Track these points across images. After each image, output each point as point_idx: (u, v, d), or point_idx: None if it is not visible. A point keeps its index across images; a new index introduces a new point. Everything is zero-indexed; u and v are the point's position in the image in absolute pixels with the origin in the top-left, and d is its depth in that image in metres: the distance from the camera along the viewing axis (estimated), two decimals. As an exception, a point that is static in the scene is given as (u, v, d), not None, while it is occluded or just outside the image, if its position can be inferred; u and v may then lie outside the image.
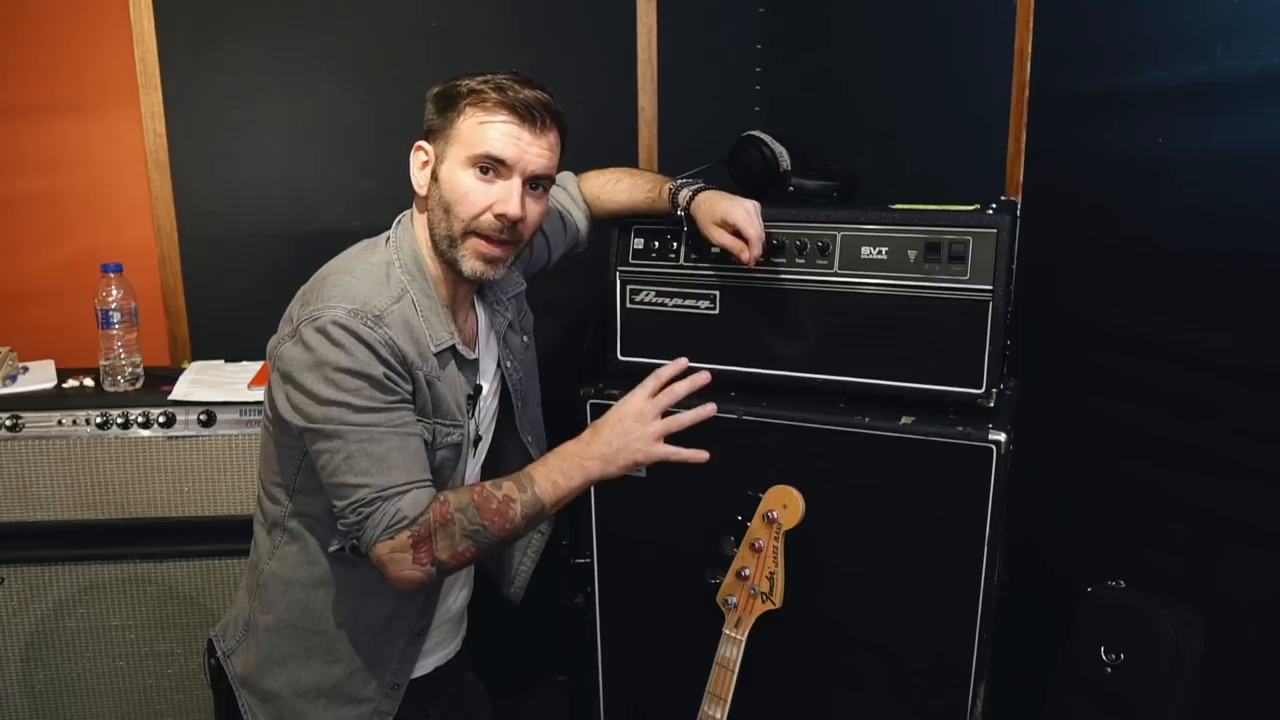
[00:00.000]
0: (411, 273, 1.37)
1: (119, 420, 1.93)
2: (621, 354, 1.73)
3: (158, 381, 2.03)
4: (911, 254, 1.52)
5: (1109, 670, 1.51)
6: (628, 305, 1.72)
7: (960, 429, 1.49)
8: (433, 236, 1.38)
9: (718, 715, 1.51)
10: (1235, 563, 1.54)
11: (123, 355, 2.02)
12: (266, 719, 1.44)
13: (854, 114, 2.18)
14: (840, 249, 1.57)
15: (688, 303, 1.68)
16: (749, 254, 1.52)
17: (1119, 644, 1.51)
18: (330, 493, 1.28)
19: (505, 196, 1.33)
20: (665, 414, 1.34)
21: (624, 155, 2.35)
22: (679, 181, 1.62)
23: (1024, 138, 1.84)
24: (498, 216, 1.34)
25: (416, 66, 2.15)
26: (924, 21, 2.03)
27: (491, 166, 1.33)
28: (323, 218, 2.24)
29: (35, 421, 1.92)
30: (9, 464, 1.92)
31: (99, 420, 1.93)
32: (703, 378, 1.36)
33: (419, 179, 1.39)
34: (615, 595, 1.79)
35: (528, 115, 1.33)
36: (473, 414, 1.44)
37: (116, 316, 2.00)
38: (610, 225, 1.74)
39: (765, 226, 1.55)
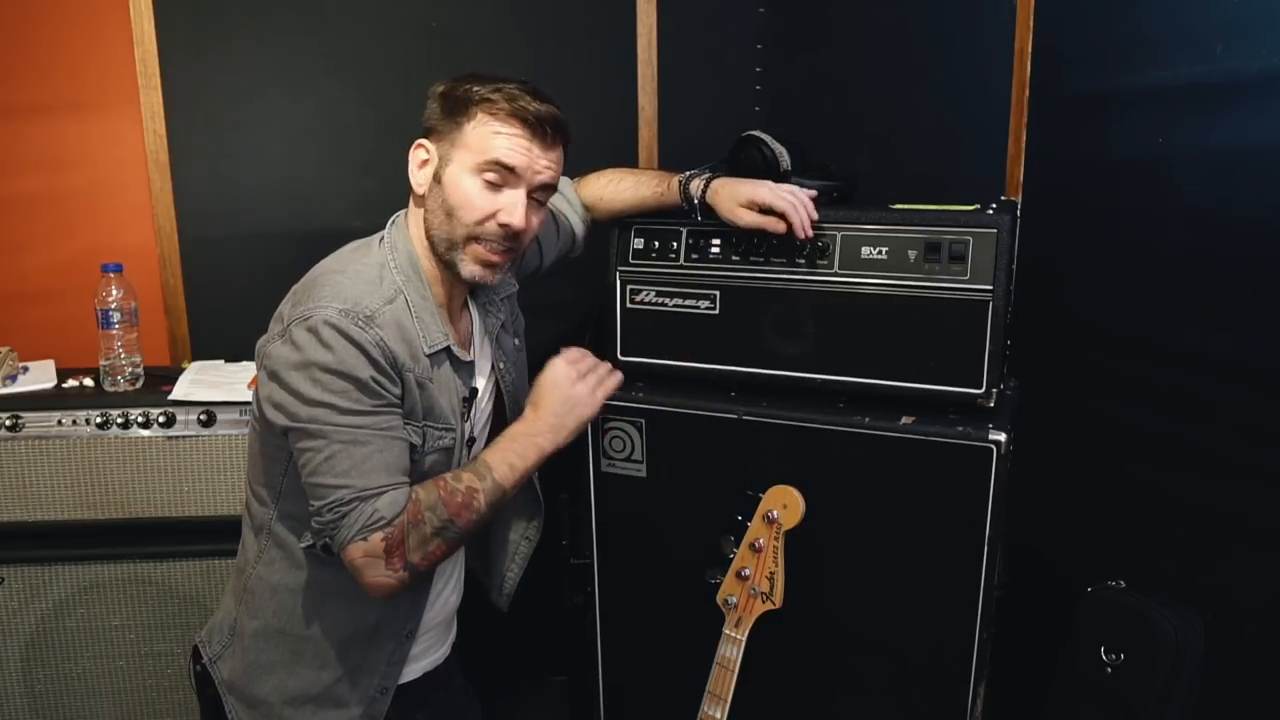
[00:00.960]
0: (406, 274, 1.37)
1: (119, 420, 1.93)
2: (621, 354, 1.73)
3: (158, 381, 2.03)
4: (911, 254, 1.52)
5: (1109, 670, 1.51)
6: (628, 305, 1.72)
7: (960, 429, 1.49)
8: (431, 236, 1.37)
9: (718, 715, 1.51)
10: (1235, 563, 1.54)
11: (123, 355, 2.02)
12: None
13: (854, 114, 2.18)
14: (840, 249, 1.56)
15: (688, 303, 1.68)
16: (797, 222, 1.51)
17: (1119, 644, 1.50)
18: (308, 492, 1.28)
19: (511, 206, 1.33)
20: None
21: (624, 155, 2.35)
22: (688, 174, 1.62)
23: (1024, 138, 1.84)
24: (501, 225, 1.34)
25: (417, 66, 2.15)
26: (924, 22, 2.03)
27: (499, 175, 1.33)
28: (323, 218, 2.24)
29: (35, 421, 1.92)
30: (9, 464, 1.92)
31: (99, 420, 1.93)
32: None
33: (418, 177, 1.38)
34: (615, 595, 1.79)
35: (539, 128, 1.33)
36: (468, 416, 1.44)
37: (116, 316, 2.00)
38: (610, 225, 1.74)
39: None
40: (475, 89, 1.34)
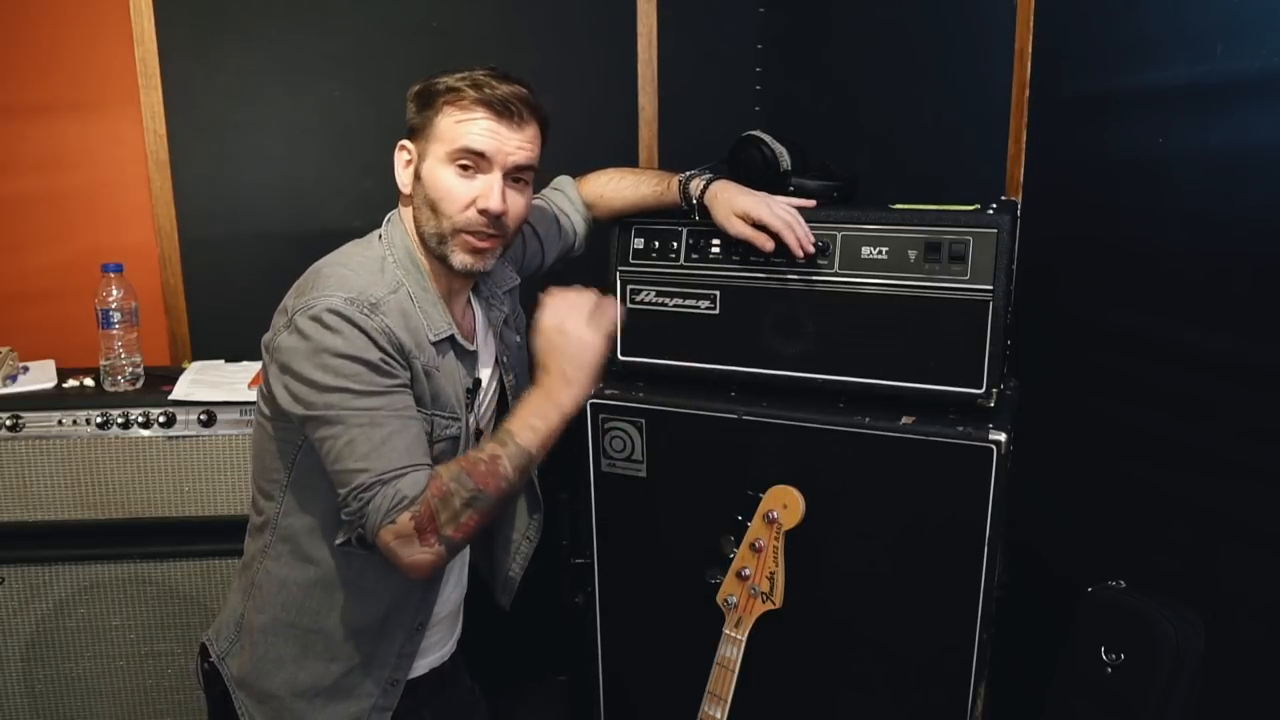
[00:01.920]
0: (405, 267, 1.38)
1: (119, 420, 1.93)
2: (621, 354, 1.73)
3: (158, 381, 2.03)
4: (912, 254, 1.52)
5: (1109, 670, 1.51)
6: (628, 305, 1.72)
7: (960, 429, 1.49)
8: (421, 233, 1.39)
9: (718, 715, 1.51)
10: (1235, 563, 1.53)
11: (123, 355, 2.02)
12: None
13: (854, 114, 2.18)
14: (840, 249, 1.56)
15: (688, 303, 1.68)
16: (792, 241, 1.52)
17: (1119, 644, 1.50)
18: (333, 480, 1.28)
19: (486, 191, 1.34)
20: None
21: (624, 155, 2.35)
22: (688, 174, 1.63)
23: (1024, 138, 1.84)
24: (481, 212, 1.34)
25: (417, 66, 2.10)
26: (924, 21, 2.03)
27: (471, 161, 1.33)
28: (323, 217, 2.24)
29: (35, 421, 1.92)
30: (9, 464, 1.92)
31: (99, 420, 1.93)
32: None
33: (403, 177, 1.40)
34: (615, 595, 1.79)
35: (505, 110, 1.33)
36: (472, 407, 1.44)
37: (117, 316, 2.00)
38: (610, 225, 1.74)
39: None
40: (441, 82, 1.35)
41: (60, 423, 1.92)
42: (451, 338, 1.39)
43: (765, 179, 1.71)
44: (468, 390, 1.42)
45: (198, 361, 2.18)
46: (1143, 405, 1.66)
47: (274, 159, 2.25)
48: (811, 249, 1.54)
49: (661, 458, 1.69)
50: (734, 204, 1.56)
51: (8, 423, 1.91)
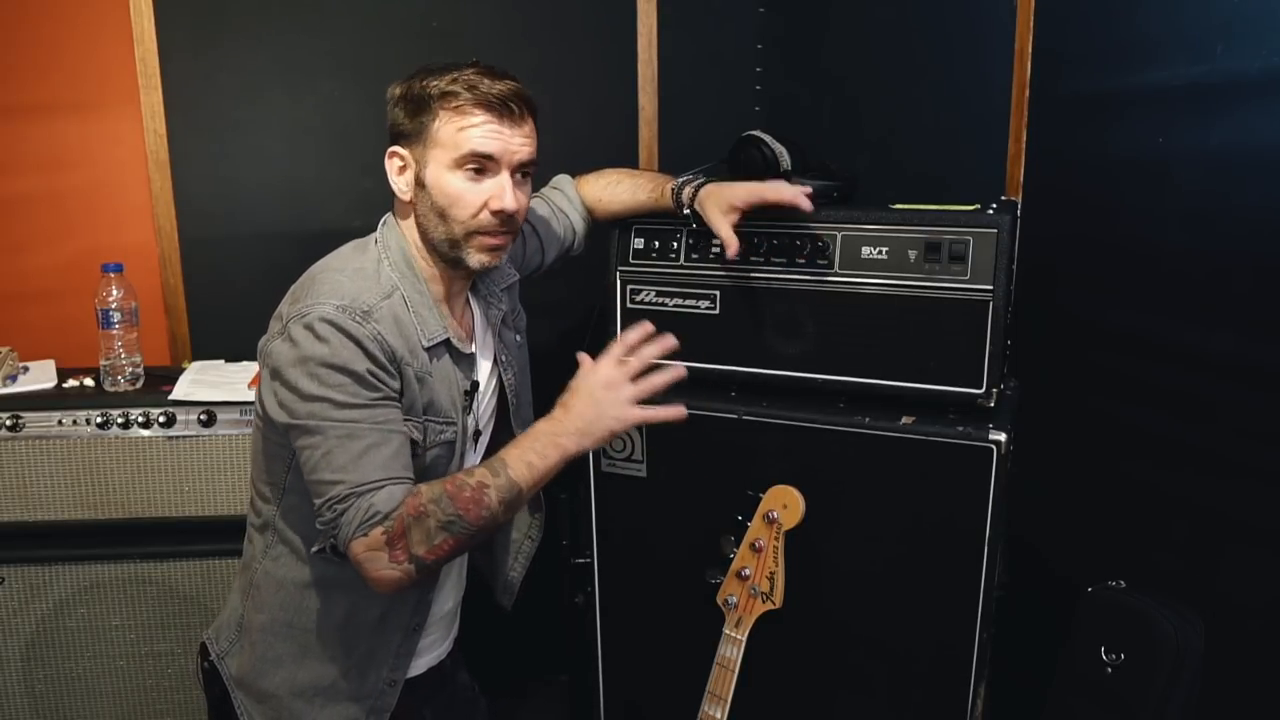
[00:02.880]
0: (401, 270, 1.37)
1: (119, 420, 1.93)
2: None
3: (158, 381, 2.04)
4: (912, 254, 1.52)
5: (1109, 670, 1.51)
6: (628, 305, 1.72)
7: (960, 429, 1.49)
8: (428, 241, 1.38)
9: (718, 715, 1.51)
10: (1235, 563, 1.54)
11: (123, 355, 2.02)
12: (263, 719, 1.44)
13: (854, 114, 2.18)
14: (840, 249, 1.56)
15: (688, 303, 1.68)
16: (789, 195, 1.51)
17: (1119, 644, 1.50)
18: (310, 490, 1.28)
19: (499, 192, 1.34)
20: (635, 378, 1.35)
21: (624, 155, 2.35)
22: (680, 179, 1.63)
23: (1024, 138, 1.84)
24: (494, 213, 1.34)
25: (417, 67, 2.15)
26: (924, 21, 2.03)
27: (479, 164, 1.33)
28: (323, 218, 2.24)
29: (35, 421, 1.92)
30: (9, 464, 1.92)
31: (99, 420, 1.93)
32: (669, 341, 1.38)
33: (400, 185, 1.39)
34: (615, 595, 1.79)
35: (504, 109, 1.33)
36: (470, 409, 1.44)
37: (117, 316, 2.00)
38: (610, 225, 1.74)
39: (766, 226, 1.55)
40: (432, 83, 1.33)
41: (60, 423, 1.92)
42: (447, 341, 1.39)
43: (765, 179, 1.71)
44: (465, 393, 1.42)
45: (198, 361, 2.19)
46: (1143, 405, 1.66)
47: (274, 159, 2.25)
48: (808, 205, 1.52)
49: (661, 458, 1.69)
50: (721, 202, 1.56)
51: (8, 423, 1.91)
